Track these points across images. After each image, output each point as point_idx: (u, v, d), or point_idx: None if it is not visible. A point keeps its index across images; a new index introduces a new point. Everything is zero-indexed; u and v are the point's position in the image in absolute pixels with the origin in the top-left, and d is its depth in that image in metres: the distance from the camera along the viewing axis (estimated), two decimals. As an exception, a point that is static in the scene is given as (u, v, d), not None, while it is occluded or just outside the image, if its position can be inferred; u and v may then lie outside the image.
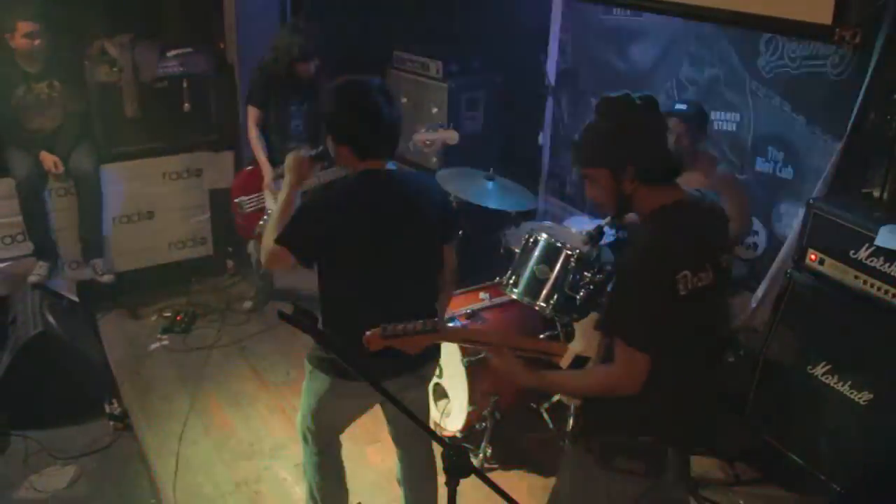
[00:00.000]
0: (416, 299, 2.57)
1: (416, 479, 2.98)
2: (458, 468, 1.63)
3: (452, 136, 3.95)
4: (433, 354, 2.75)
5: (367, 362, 2.07)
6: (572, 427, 2.28)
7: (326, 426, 2.80)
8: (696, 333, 2.07)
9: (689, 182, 3.48)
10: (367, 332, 2.07)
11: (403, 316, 2.19)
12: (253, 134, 4.41)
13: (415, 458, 2.94)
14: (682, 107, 3.51)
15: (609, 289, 2.07)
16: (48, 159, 4.40)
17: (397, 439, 2.94)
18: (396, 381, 2.52)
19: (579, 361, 2.18)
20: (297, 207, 2.56)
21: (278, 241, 2.43)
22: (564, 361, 2.22)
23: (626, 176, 2.01)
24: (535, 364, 2.22)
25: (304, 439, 2.84)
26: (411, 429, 2.75)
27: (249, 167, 4.49)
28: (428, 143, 3.95)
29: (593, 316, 2.18)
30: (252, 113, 4.43)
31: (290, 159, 2.61)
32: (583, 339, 2.18)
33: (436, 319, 2.12)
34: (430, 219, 2.60)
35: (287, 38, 4.28)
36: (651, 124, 2.04)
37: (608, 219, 3.40)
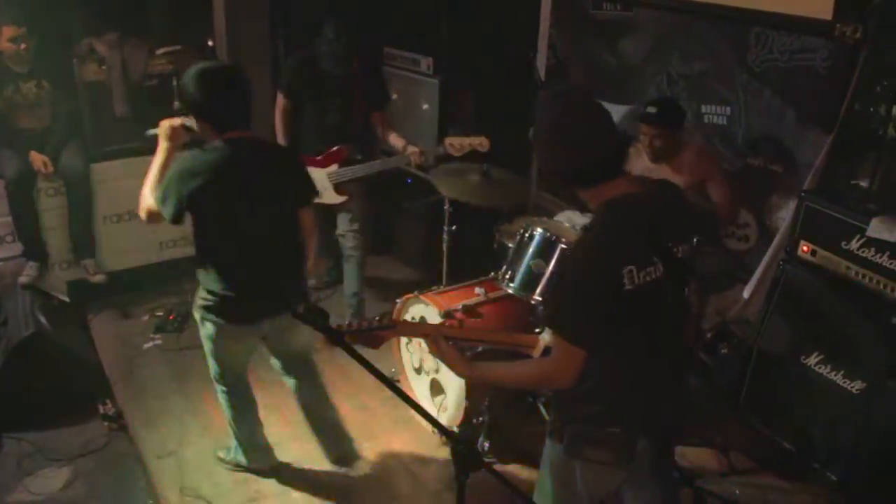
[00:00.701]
0: (275, 256, 3.00)
1: (315, 402, 3.42)
2: (469, 461, 1.64)
3: (483, 143, 4.12)
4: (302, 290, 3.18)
5: (249, 304, 2.92)
6: (549, 421, 2.29)
7: (228, 367, 3.22)
8: (649, 325, 2.05)
9: (672, 174, 3.56)
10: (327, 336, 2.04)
11: (265, 271, 2.89)
12: (278, 120, 4.48)
13: (307, 385, 3.39)
14: (652, 110, 3.51)
15: (554, 284, 2.07)
16: (37, 159, 4.37)
17: (287, 369, 3.35)
18: (276, 320, 3.02)
19: (547, 352, 2.19)
20: (169, 171, 2.86)
21: (158, 202, 2.85)
22: (536, 352, 2.24)
23: (558, 179, 2.03)
24: (510, 357, 2.24)
25: (215, 380, 3.28)
26: (296, 359, 3.32)
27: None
28: (457, 146, 4.02)
29: None
30: (280, 101, 4.45)
31: (164, 126, 2.97)
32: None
33: (391, 316, 2.15)
34: (284, 183, 3.01)
35: (336, 35, 4.28)
36: (579, 125, 1.99)
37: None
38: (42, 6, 4.34)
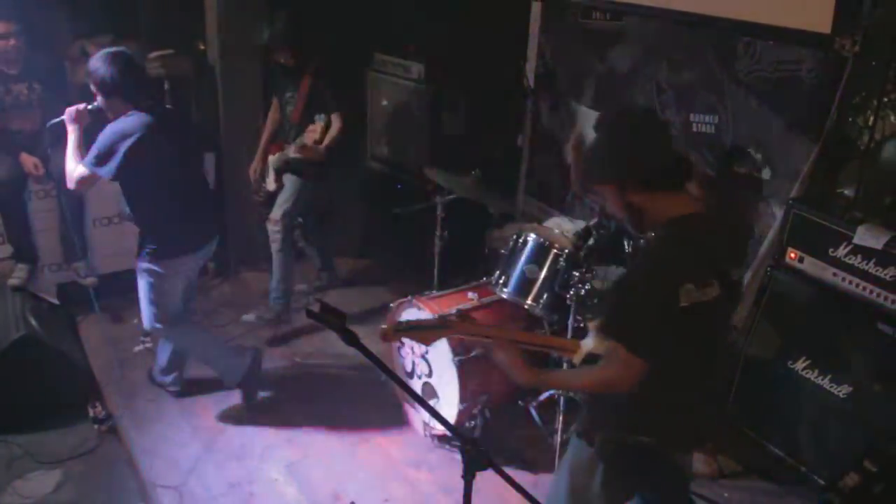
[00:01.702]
0: (201, 200, 3.73)
1: None
2: (477, 462, 1.66)
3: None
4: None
5: (189, 237, 3.63)
6: (578, 422, 2.34)
7: (172, 306, 3.72)
8: (699, 344, 2.13)
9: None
10: (383, 326, 2.19)
11: (194, 208, 3.63)
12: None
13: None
14: None
15: (617, 294, 2.13)
16: (29, 161, 4.36)
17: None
18: (206, 248, 3.74)
19: (591, 358, 2.26)
20: (100, 138, 3.35)
21: (93, 168, 3.36)
22: (577, 358, 2.29)
23: (629, 187, 2.08)
24: (536, 360, 2.29)
25: (157, 329, 3.79)
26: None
27: None
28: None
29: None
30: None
31: (71, 112, 3.48)
32: (596, 337, 2.27)
33: (447, 315, 2.21)
34: (192, 135, 3.84)
35: (264, 30, 4.54)
36: (647, 133, 2.10)
37: (594, 220, 3.49)
38: (33, 7, 4.32)
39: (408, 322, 2.24)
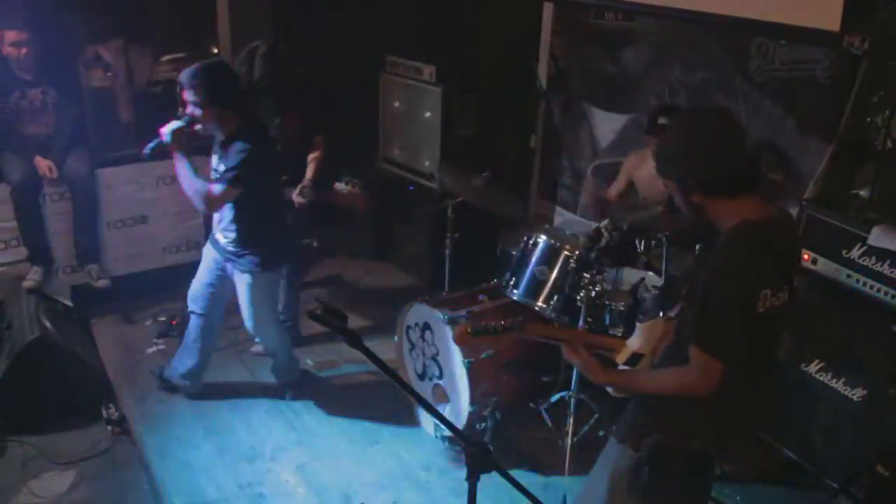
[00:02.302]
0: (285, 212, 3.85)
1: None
2: (481, 463, 1.66)
3: (359, 201, 3.96)
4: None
5: (286, 247, 3.87)
6: (620, 427, 2.35)
7: (271, 311, 3.93)
8: (765, 348, 2.16)
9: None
10: (457, 329, 2.29)
11: (283, 224, 3.82)
12: None
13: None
14: (663, 121, 3.59)
15: (693, 297, 2.12)
16: (42, 164, 4.40)
17: None
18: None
19: (634, 358, 2.28)
20: (241, 157, 3.31)
21: (231, 185, 3.34)
22: (621, 357, 2.31)
23: (690, 188, 2.09)
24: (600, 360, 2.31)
25: (258, 331, 3.87)
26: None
27: None
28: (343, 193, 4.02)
29: (658, 320, 2.29)
30: None
31: (166, 134, 3.36)
32: (642, 338, 2.28)
33: (521, 318, 2.30)
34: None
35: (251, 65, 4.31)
36: (718, 138, 2.09)
37: (605, 221, 3.47)
38: (47, 13, 4.36)
39: (480, 325, 2.30)
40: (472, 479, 1.71)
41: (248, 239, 3.56)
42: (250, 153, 3.31)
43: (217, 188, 3.38)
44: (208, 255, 3.78)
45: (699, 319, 2.06)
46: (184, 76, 3.35)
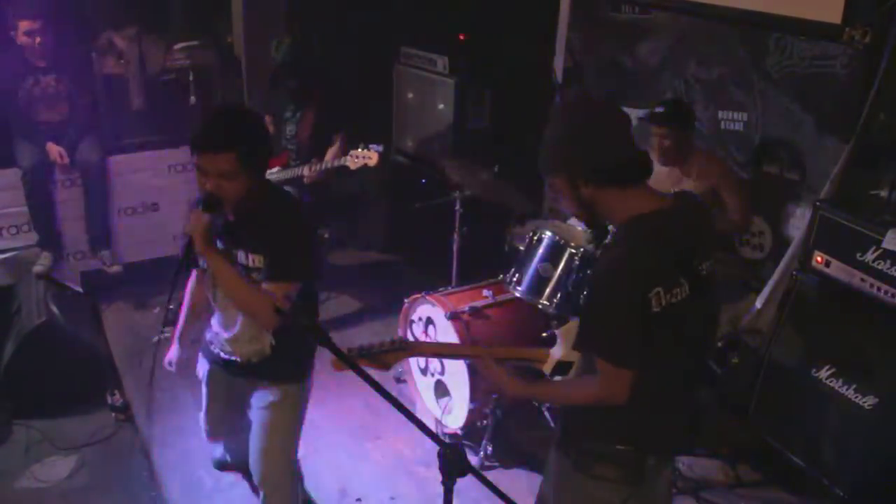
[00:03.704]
0: None
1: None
2: (455, 467, 1.61)
3: (373, 157, 4.05)
4: None
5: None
6: (554, 432, 2.26)
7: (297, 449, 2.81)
8: (676, 346, 2.01)
9: (681, 182, 3.52)
10: (334, 358, 2.01)
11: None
12: None
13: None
14: (660, 110, 3.51)
15: (583, 302, 2.02)
16: (54, 150, 4.42)
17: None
18: None
19: (561, 367, 2.17)
20: (303, 239, 2.45)
21: (308, 277, 2.45)
22: (547, 367, 2.21)
23: (579, 180, 1.94)
24: (522, 371, 2.21)
25: (293, 478, 2.76)
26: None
27: None
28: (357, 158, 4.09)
29: (573, 323, 2.13)
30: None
31: (195, 228, 2.28)
32: (564, 345, 2.17)
33: (403, 337, 2.12)
34: None
35: (274, 50, 4.36)
36: (602, 123, 1.95)
37: (577, 217, 3.39)
38: (61, 0, 4.38)
39: (361, 347, 2.14)
40: (448, 482, 1.66)
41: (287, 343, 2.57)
42: (310, 230, 2.54)
43: (288, 287, 2.34)
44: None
45: (593, 329, 1.96)
46: (205, 138, 2.25)
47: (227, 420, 2.88)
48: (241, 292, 2.37)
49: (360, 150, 4.08)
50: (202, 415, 2.93)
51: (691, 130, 3.59)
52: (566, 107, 2.05)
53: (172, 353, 2.92)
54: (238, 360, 2.58)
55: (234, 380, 2.69)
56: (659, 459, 2.13)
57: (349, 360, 1.79)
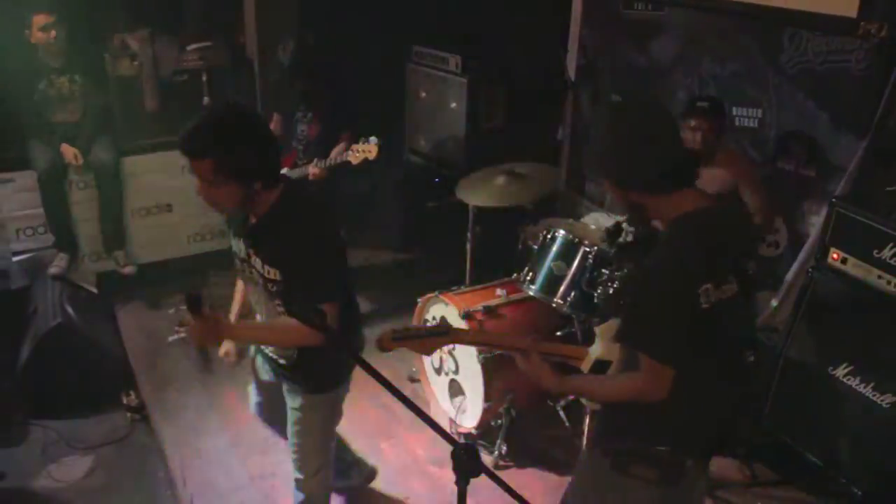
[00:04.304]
0: None
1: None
2: (468, 467, 1.60)
3: (372, 150, 4.08)
4: None
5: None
6: (589, 432, 2.25)
7: (332, 443, 2.83)
8: (720, 344, 2.03)
9: (711, 178, 3.48)
10: (379, 336, 2.10)
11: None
12: None
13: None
14: (704, 104, 3.47)
15: (627, 298, 2.02)
16: (69, 151, 4.44)
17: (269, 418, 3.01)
18: None
19: (600, 365, 2.17)
20: (319, 259, 2.29)
21: (331, 298, 2.27)
22: (585, 365, 2.21)
23: (627, 187, 1.98)
24: (558, 367, 2.21)
25: (319, 472, 2.76)
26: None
27: None
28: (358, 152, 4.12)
29: (613, 322, 2.16)
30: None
31: (191, 336, 2.21)
32: (603, 343, 2.17)
33: (446, 324, 2.12)
34: None
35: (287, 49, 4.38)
36: (649, 132, 1.97)
37: (627, 216, 3.37)
38: (75, 1, 4.40)
39: (406, 329, 2.15)
40: (462, 483, 1.65)
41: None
42: (329, 247, 2.36)
43: (326, 316, 2.06)
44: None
45: (635, 322, 1.98)
46: (183, 141, 2.21)
47: (266, 404, 2.93)
48: (273, 339, 2.50)
49: (359, 144, 4.09)
50: (251, 388, 2.98)
51: (725, 129, 3.55)
52: (616, 113, 2.08)
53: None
54: (271, 355, 2.63)
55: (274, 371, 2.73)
56: (697, 461, 2.14)
57: (374, 371, 1.78)
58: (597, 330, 2.21)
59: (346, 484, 3.26)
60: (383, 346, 2.15)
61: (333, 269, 2.32)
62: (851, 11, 3.00)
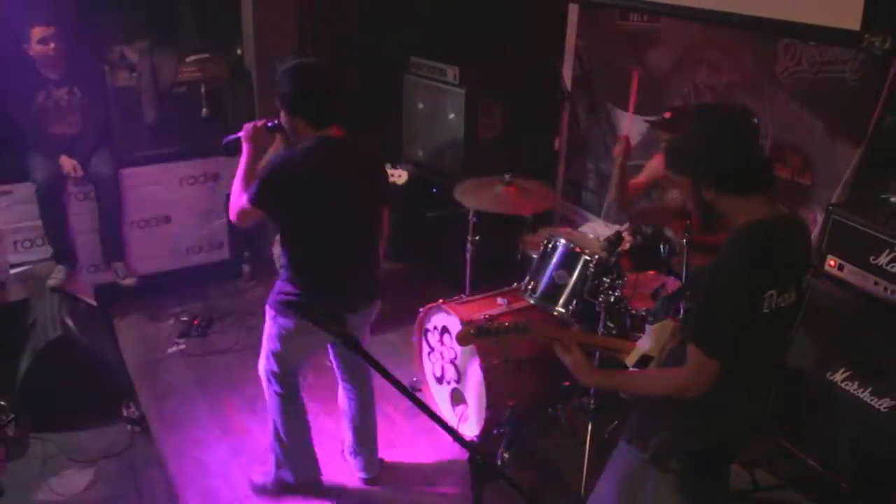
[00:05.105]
0: (362, 255, 3.05)
1: (364, 407, 3.43)
2: (485, 472, 1.62)
3: (402, 175, 4.35)
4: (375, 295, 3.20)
5: (336, 300, 2.89)
6: (629, 427, 2.32)
7: (290, 367, 3.18)
8: (767, 348, 2.12)
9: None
10: (460, 329, 2.25)
11: (352, 267, 2.95)
12: None
13: (363, 389, 3.40)
14: (668, 115, 3.52)
15: (696, 296, 2.08)
16: (67, 163, 4.44)
17: (349, 372, 3.37)
18: (356, 316, 3.07)
19: (645, 360, 2.24)
20: (264, 171, 2.83)
21: (251, 202, 2.79)
22: (631, 359, 2.27)
23: (703, 183, 2.06)
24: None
25: (268, 380, 3.20)
26: (360, 368, 3.33)
27: None
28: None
29: (667, 322, 2.23)
30: None
31: (247, 129, 2.99)
32: (651, 340, 2.23)
33: (525, 319, 2.27)
34: (377, 183, 3.11)
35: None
36: (730, 133, 2.09)
37: (626, 225, 3.41)
38: (73, 12, 4.40)
39: (483, 326, 2.29)
40: (477, 487, 1.67)
41: (288, 273, 2.99)
42: (276, 168, 2.82)
43: (240, 197, 2.89)
44: None
45: (700, 318, 2.04)
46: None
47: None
48: (234, 182, 2.96)
49: (392, 168, 4.26)
50: None
51: None
52: (700, 113, 2.17)
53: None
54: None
55: None
56: (727, 460, 2.23)
57: (389, 375, 1.80)
58: (648, 326, 2.28)
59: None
60: (465, 341, 2.30)
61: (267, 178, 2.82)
62: (855, 24, 3.03)
